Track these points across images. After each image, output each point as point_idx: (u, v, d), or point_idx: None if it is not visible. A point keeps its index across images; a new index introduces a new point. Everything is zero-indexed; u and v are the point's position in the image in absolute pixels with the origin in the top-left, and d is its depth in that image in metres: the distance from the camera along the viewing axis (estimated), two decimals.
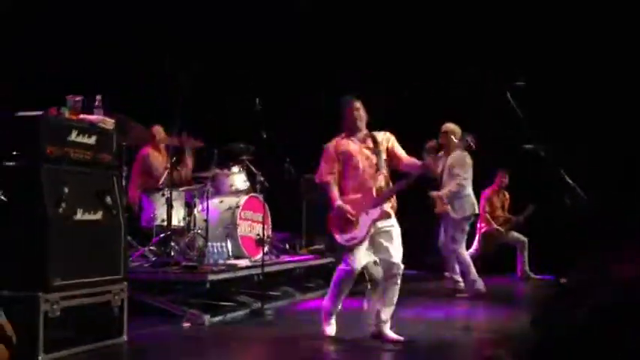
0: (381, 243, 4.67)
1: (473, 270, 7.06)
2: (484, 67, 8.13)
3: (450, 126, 6.85)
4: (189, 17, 8.48)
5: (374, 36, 8.78)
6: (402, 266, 4.66)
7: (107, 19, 7.66)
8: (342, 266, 4.77)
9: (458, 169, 6.92)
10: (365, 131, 4.89)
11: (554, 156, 5.33)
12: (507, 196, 9.19)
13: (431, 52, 8.70)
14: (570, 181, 5.23)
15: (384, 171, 4.80)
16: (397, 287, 4.67)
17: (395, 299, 4.69)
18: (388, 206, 4.72)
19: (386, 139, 4.91)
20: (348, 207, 4.66)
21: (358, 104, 4.88)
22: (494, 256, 8.92)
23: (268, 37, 8.73)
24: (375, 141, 4.85)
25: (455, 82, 8.33)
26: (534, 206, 8.82)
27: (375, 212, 4.65)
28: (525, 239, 8.95)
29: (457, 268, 7.11)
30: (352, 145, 4.83)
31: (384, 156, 4.83)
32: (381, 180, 4.76)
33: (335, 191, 4.77)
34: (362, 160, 4.78)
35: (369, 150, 4.82)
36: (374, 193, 4.68)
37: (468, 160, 6.97)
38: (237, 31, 8.75)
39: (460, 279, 7.12)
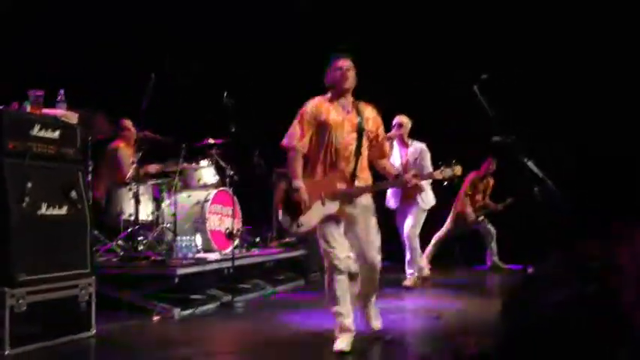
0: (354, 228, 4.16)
1: (420, 257, 7.23)
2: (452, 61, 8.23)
3: (405, 118, 6.96)
4: (162, 15, 8.44)
5: (362, 33, 8.79)
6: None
7: (80, 16, 7.58)
8: (325, 263, 4.12)
9: (426, 160, 6.98)
10: (351, 99, 4.21)
11: (522, 147, 5.41)
12: (491, 183, 9.22)
13: (429, 51, 8.72)
14: (539, 173, 5.31)
15: (364, 156, 4.18)
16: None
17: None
18: (366, 197, 4.19)
19: (374, 119, 4.26)
20: (305, 195, 4.03)
21: (349, 63, 4.15)
22: (464, 247, 9.03)
23: (243, 32, 8.71)
24: (359, 113, 4.16)
25: (454, 82, 8.38)
26: (513, 199, 8.91)
27: (331, 207, 4.06)
28: (494, 231, 9.03)
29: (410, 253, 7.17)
30: (334, 115, 4.11)
31: (366, 137, 4.19)
32: (357, 166, 4.13)
33: (298, 165, 4.10)
34: (341, 136, 4.09)
35: (352, 126, 4.12)
36: (340, 183, 4.07)
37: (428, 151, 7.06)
38: (207, 28, 8.73)
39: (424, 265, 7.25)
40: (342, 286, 4.05)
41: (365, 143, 4.16)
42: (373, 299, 4.39)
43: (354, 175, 4.10)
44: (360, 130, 4.11)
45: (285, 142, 4.16)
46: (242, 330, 5.01)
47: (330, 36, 8.53)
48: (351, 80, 4.14)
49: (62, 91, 4.54)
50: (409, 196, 7.01)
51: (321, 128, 4.09)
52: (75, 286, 4.36)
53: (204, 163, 6.86)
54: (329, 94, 4.21)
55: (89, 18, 7.58)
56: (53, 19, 7.20)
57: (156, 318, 5.18)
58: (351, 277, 4.14)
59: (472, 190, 9.03)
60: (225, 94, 6.48)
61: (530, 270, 3.39)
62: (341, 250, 4.05)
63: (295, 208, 4.06)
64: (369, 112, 4.26)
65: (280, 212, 4.19)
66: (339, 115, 4.11)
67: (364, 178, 4.19)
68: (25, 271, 3.98)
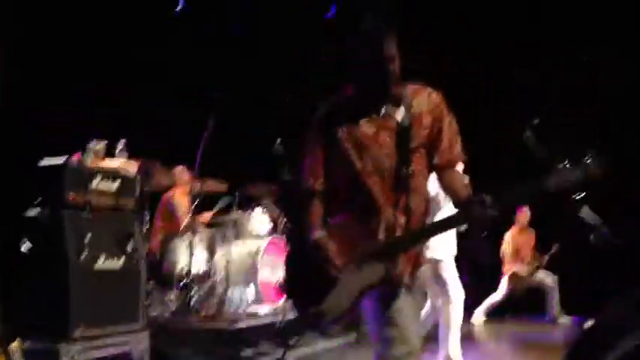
0: None
1: None
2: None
3: None
4: (209, 58, 8.50)
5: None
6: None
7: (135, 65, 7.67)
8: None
9: None
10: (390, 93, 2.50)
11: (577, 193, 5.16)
12: (532, 234, 8.93)
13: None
14: (594, 218, 5.06)
15: (418, 178, 2.50)
16: None
17: None
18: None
19: (428, 111, 2.50)
20: (330, 247, 2.41)
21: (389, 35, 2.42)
22: (522, 296, 8.68)
23: (287, 76, 8.70)
24: (405, 107, 2.47)
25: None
26: (559, 244, 8.58)
27: (373, 273, 2.37)
28: (553, 280, 8.58)
29: None
30: (364, 125, 2.50)
31: (416, 142, 2.49)
32: (408, 198, 2.45)
33: (314, 211, 2.55)
34: (377, 158, 2.47)
35: (390, 134, 2.48)
36: (381, 231, 2.42)
37: None
38: (255, 72, 8.74)
39: None
40: None
41: (414, 155, 2.47)
42: None
43: (407, 212, 2.45)
44: (402, 134, 2.45)
45: (302, 183, 2.62)
46: None
47: None
48: (393, 62, 2.42)
49: (123, 141, 4.54)
50: None
51: (341, 152, 2.51)
52: (128, 342, 4.27)
53: (257, 210, 6.76)
54: (351, 90, 2.58)
55: (143, 67, 7.67)
56: (108, 69, 7.29)
57: None
58: None
59: (515, 247, 8.72)
60: (278, 141, 6.43)
61: (587, 324, 3.18)
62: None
63: (311, 283, 2.42)
64: (421, 101, 2.51)
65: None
66: (372, 124, 2.50)
67: (419, 212, 2.51)
68: (81, 326, 3.91)
